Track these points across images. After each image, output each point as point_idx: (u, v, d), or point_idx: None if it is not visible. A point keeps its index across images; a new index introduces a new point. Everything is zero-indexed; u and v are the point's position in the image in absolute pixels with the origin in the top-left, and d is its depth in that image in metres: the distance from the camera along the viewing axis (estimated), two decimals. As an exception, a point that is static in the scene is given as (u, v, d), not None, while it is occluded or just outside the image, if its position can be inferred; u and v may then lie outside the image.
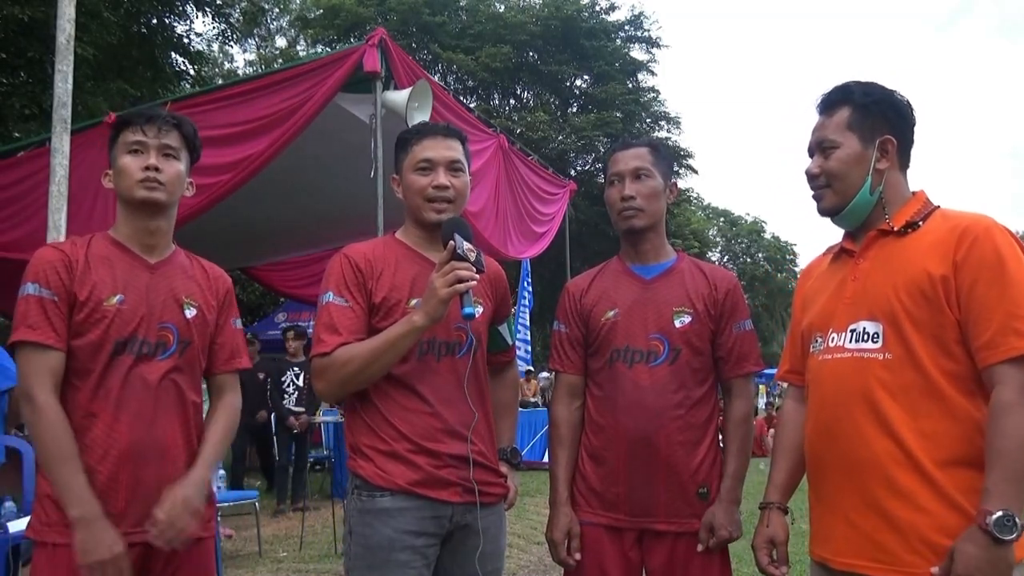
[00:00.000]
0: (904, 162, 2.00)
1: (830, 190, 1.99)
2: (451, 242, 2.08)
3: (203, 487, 2.11)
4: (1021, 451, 1.67)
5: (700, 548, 2.30)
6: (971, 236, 1.80)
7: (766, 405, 19.71)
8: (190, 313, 2.17)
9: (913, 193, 2.00)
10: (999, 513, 1.63)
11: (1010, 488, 1.66)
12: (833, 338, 1.95)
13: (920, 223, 1.91)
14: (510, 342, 2.48)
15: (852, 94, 1.99)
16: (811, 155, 2.05)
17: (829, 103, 2.02)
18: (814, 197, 2.04)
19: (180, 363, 2.13)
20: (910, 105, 2.00)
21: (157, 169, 2.11)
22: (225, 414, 2.26)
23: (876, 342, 1.86)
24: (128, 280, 2.10)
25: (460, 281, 2.04)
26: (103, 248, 2.13)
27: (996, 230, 1.81)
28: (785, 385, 2.27)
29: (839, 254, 2.08)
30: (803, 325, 2.10)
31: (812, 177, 2.02)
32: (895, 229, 1.93)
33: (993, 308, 1.74)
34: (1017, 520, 1.63)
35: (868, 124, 1.95)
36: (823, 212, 2.03)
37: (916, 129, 2.01)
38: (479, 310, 2.22)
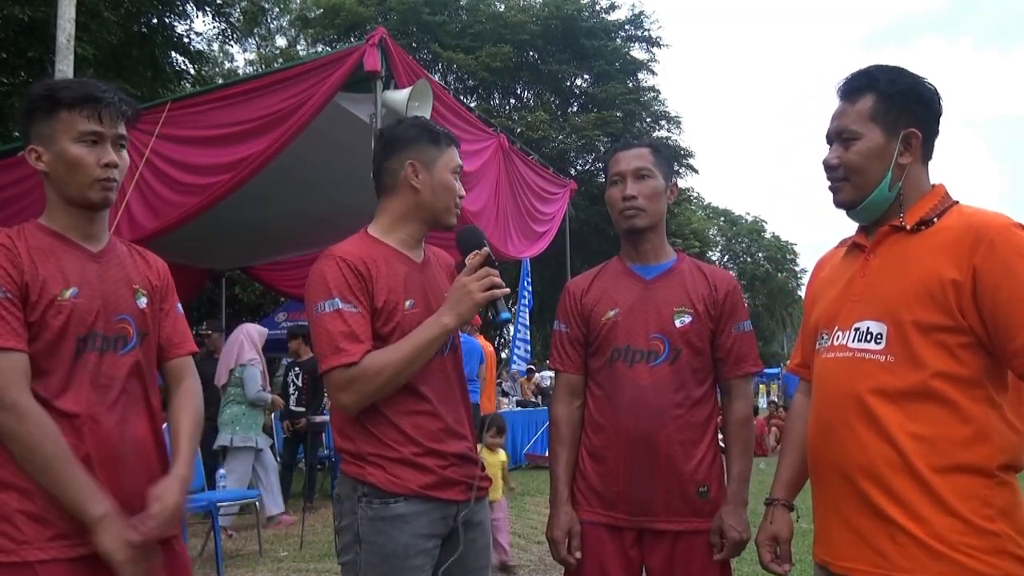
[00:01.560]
0: (927, 154, 1.90)
1: (848, 183, 1.90)
2: (484, 248, 2.11)
3: (187, 488, 2.00)
4: None
5: (715, 555, 2.31)
6: (988, 238, 1.71)
7: (768, 404, 19.73)
8: (142, 303, 2.04)
9: (932, 187, 1.90)
10: None
11: None
12: (837, 336, 1.90)
13: (935, 220, 1.82)
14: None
15: (877, 81, 1.86)
16: (829, 143, 1.93)
17: (852, 89, 1.90)
18: (831, 188, 1.94)
19: (140, 356, 2.01)
20: (937, 94, 1.88)
21: (115, 165, 1.95)
22: (191, 402, 2.12)
23: (879, 343, 1.80)
24: (77, 272, 1.93)
25: (494, 287, 2.06)
26: (40, 239, 1.93)
27: (1015, 229, 1.73)
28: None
29: (852, 248, 1.99)
30: (811, 320, 2.05)
31: (830, 168, 1.92)
32: (907, 227, 1.85)
33: (1021, 312, 1.68)
34: None
35: (893, 115, 1.84)
36: (839, 205, 1.94)
37: (942, 119, 1.90)
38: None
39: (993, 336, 1.72)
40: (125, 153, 2.02)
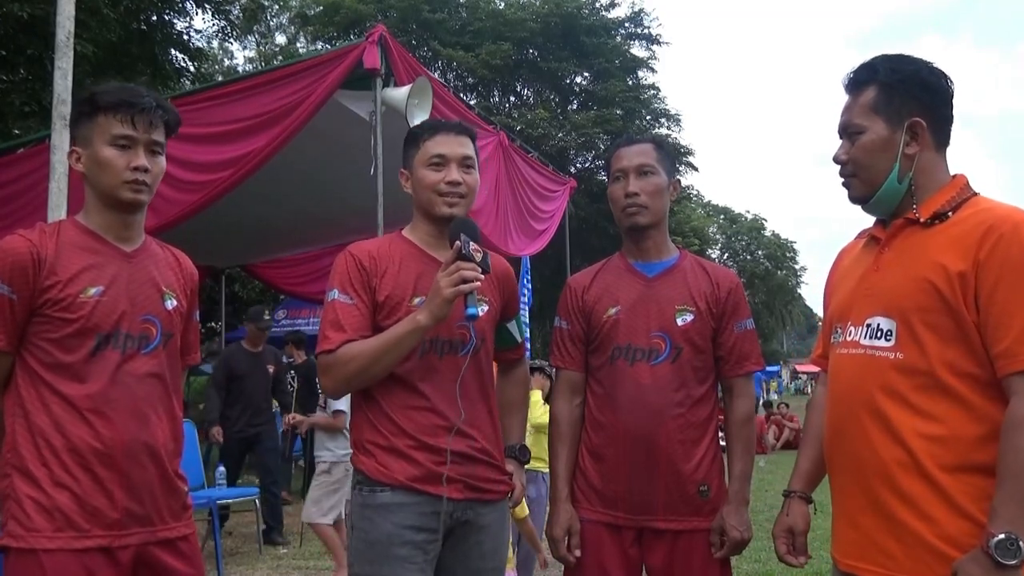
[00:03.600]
0: (941, 141, 1.84)
1: (857, 179, 1.86)
2: (457, 242, 2.07)
3: None
4: None
5: (714, 552, 2.30)
6: (996, 233, 1.65)
7: (766, 403, 19.70)
8: (170, 304, 2.09)
9: (952, 178, 1.84)
10: (1001, 535, 1.55)
11: (1018, 509, 1.56)
12: (850, 332, 1.86)
13: (950, 213, 1.76)
14: (519, 339, 2.47)
15: (877, 72, 1.83)
16: (841, 138, 1.91)
17: (855, 82, 1.87)
18: (843, 185, 1.91)
19: (163, 356, 2.06)
20: (945, 77, 1.82)
21: (146, 170, 1.99)
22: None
23: (889, 340, 1.76)
24: (106, 271, 1.99)
25: (465, 281, 2.03)
26: (75, 237, 2.00)
27: None
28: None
29: (870, 240, 1.95)
30: (827, 313, 2.02)
31: (839, 164, 1.89)
32: (921, 220, 1.79)
33: (1013, 314, 1.62)
34: (1022, 544, 1.54)
35: (895, 105, 1.80)
36: (852, 201, 1.90)
37: (954, 102, 1.84)
38: (483, 310, 2.21)
39: (983, 333, 1.66)
40: (161, 159, 2.06)
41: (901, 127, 1.80)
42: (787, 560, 2.07)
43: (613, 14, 23.85)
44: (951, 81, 1.84)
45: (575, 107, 23.98)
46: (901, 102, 1.80)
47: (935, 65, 1.83)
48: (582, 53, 22.73)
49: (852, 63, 1.92)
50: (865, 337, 1.82)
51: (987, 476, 1.64)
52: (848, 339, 1.87)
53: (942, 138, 1.85)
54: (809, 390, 33.27)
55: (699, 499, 2.33)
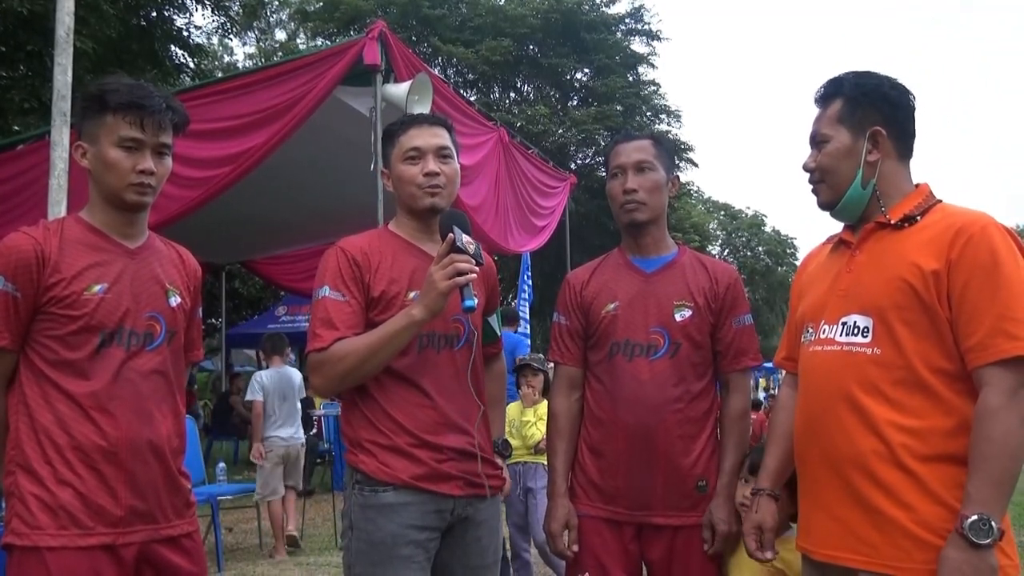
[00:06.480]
0: (903, 152, 1.97)
1: (824, 184, 1.99)
2: (450, 234, 2.06)
3: None
4: (1004, 456, 1.68)
5: (706, 548, 2.31)
6: (966, 235, 1.78)
7: (766, 398, 19.71)
8: (174, 301, 2.08)
9: (916, 186, 1.97)
10: (974, 517, 1.65)
11: (991, 492, 1.68)
12: (824, 330, 1.95)
13: (918, 217, 1.89)
14: (498, 333, 2.47)
15: (843, 86, 1.97)
16: (810, 148, 2.04)
17: (823, 96, 2.01)
18: (812, 191, 2.04)
19: (167, 354, 2.05)
20: (907, 92, 1.97)
21: (152, 173, 1.98)
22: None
23: (866, 336, 1.86)
24: (110, 268, 1.98)
25: (460, 274, 2.02)
26: (78, 234, 1.99)
27: (993, 229, 1.79)
28: (784, 373, 2.26)
29: (838, 245, 2.06)
30: (796, 315, 2.11)
31: (807, 171, 2.02)
32: (892, 222, 1.91)
33: (984, 310, 1.73)
34: (994, 524, 1.65)
35: (858, 116, 1.93)
36: (821, 206, 2.04)
37: (916, 117, 1.98)
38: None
39: (955, 329, 1.77)
40: (168, 160, 2.06)
41: (863, 136, 1.93)
42: (756, 556, 2.13)
43: (613, 10, 23.83)
44: (913, 96, 1.97)
45: (575, 103, 23.96)
46: (864, 113, 1.93)
47: (898, 81, 1.97)
48: (582, 49, 22.71)
49: (853, 60, 2.00)
50: (841, 334, 1.91)
51: (958, 465, 1.74)
52: (822, 337, 1.95)
53: (904, 150, 1.97)
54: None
55: (697, 494, 2.33)
